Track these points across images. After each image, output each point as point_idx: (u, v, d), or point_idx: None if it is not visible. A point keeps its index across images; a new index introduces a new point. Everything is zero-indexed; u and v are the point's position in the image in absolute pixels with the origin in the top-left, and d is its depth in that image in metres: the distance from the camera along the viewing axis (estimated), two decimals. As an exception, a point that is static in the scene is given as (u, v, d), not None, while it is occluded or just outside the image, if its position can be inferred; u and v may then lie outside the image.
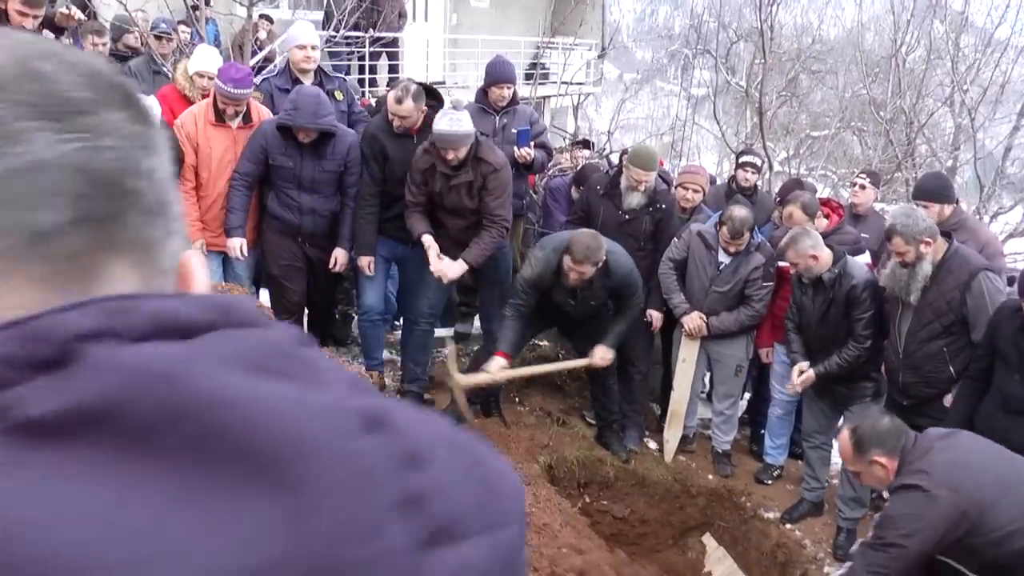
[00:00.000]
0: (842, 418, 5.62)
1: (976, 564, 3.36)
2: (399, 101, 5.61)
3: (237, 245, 5.74)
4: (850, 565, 3.71)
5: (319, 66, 6.37)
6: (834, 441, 5.37)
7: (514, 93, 6.74)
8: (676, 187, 6.67)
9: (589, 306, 5.76)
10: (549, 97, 17.34)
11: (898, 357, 5.15)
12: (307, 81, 6.17)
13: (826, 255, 5.37)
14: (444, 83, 16.86)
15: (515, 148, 6.42)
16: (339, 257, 5.99)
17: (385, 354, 6.72)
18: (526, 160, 6.47)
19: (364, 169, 5.85)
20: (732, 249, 5.90)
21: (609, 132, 14.96)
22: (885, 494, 3.69)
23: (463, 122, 5.47)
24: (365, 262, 5.92)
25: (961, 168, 15.42)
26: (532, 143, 6.47)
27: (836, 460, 5.59)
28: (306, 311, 6.37)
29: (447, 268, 5.66)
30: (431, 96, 5.91)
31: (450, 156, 5.46)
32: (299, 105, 5.54)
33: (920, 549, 3.38)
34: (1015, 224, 13.18)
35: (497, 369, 5.51)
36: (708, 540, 6.24)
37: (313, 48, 6.22)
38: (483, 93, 6.73)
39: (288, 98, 5.71)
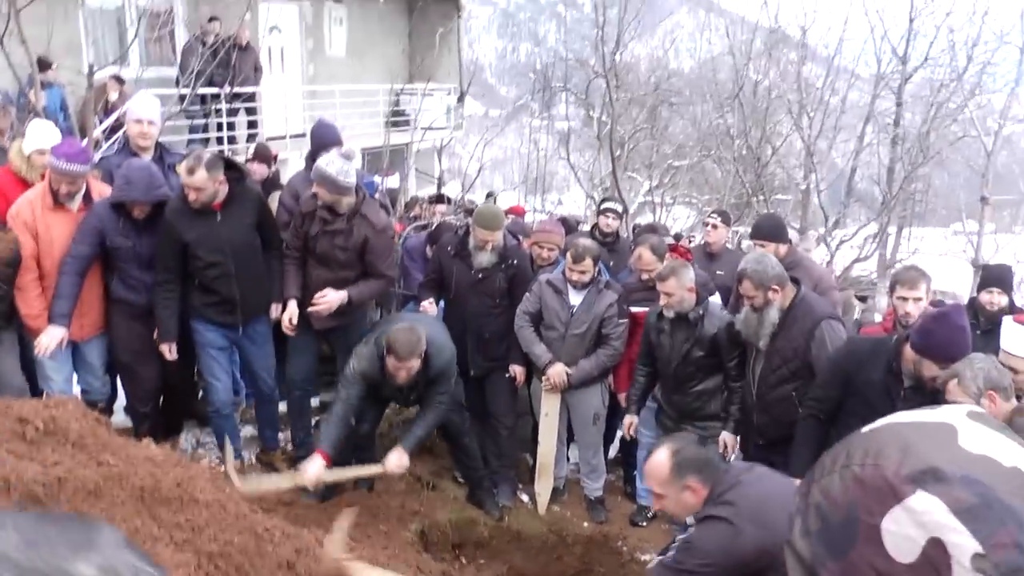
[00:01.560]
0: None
1: None
2: (191, 172, 5.31)
3: (52, 337, 5.22)
4: None
5: (158, 142, 6.15)
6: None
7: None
8: (531, 245, 6.71)
9: (419, 396, 5.67)
10: (411, 143, 17.37)
11: (752, 399, 5.31)
12: (146, 157, 5.93)
13: (694, 296, 5.53)
14: (304, 135, 16.73)
15: None
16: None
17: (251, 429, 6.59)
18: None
19: (158, 257, 5.54)
20: (576, 277, 5.96)
21: (462, 175, 15.03)
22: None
23: (349, 174, 5.45)
24: (165, 348, 5.60)
25: (814, 190, 16.11)
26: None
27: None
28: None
29: (329, 298, 5.59)
30: (230, 168, 5.65)
31: (327, 197, 5.42)
32: (131, 179, 5.34)
33: None
34: (859, 249, 13.82)
35: (313, 472, 5.16)
36: (588, 586, 6.27)
37: (150, 123, 5.97)
38: (311, 160, 6.58)
39: (119, 174, 5.48)
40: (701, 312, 5.52)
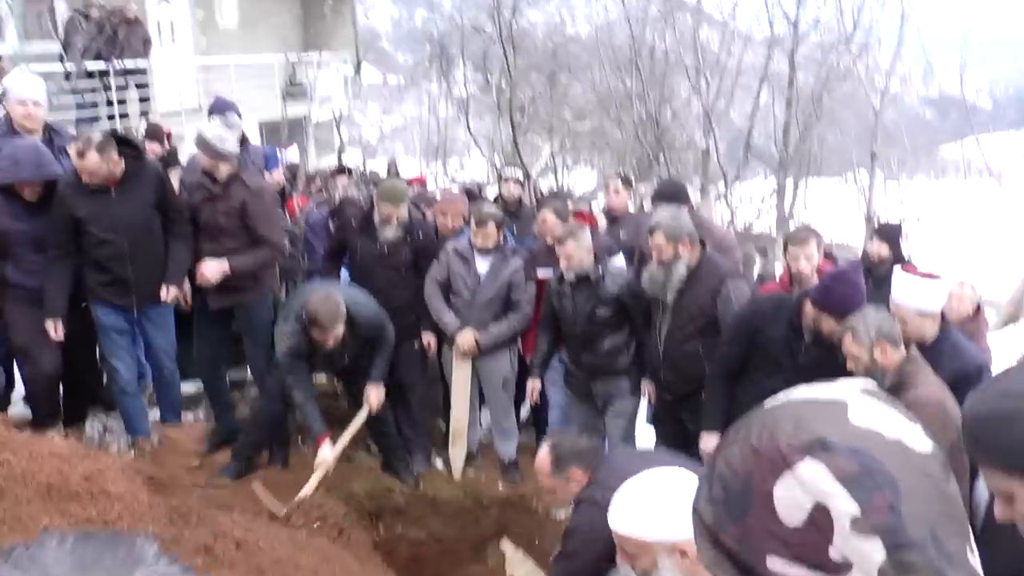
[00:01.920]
0: (607, 421, 5.90)
1: None
2: (81, 155, 5.17)
3: None
4: None
5: (46, 123, 5.93)
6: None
7: (242, 132, 6.66)
8: (435, 212, 6.72)
9: (355, 356, 5.71)
10: (309, 115, 17.16)
11: (659, 357, 5.44)
12: (34, 140, 5.69)
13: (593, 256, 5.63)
14: (200, 109, 16.36)
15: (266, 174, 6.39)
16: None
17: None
18: (280, 186, 6.42)
19: (49, 229, 5.38)
20: (480, 242, 6.03)
21: (362, 144, 14.93)
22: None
23: (227, 140, 5.40)
24: (51, 325, 5.44)
25: (713, 149, 16.43)
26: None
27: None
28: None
29: (206, 268, 5.54)
30: (126, 145, 5.51)
31: (206, 163, 5.35)
32: (19, 159, 5.20)
33: (591, 559, 3.48)
34: (758, 206, 14.18)
35: (331, 456, 5.44)
36: (506, 545, 6.35)
37: (36, 104, 5.73)
38: None
39: (3, 155, 5.28)
40: (601, 272, 5.62)
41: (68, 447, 3.80)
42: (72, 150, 5.27)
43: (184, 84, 16.92)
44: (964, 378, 4.27)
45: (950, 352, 4.42)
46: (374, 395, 5.72)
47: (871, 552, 0.94)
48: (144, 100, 15.28)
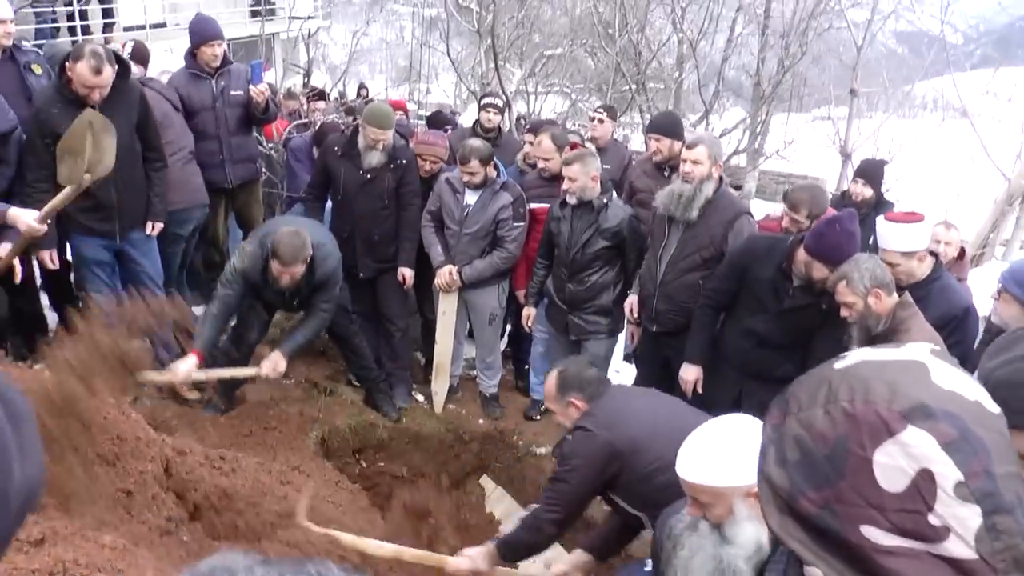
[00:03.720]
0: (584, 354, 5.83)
1: (638, 501, 3.66)
2: (98, 72, 4.94)
3: None
4: None
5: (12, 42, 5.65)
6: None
7: (224, 53, 6.43)
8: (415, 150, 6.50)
9: (302, 302, 5.58)
10: (278, 33, 16.73)
11: (655, 285, 5.37)
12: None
13: (599, 184, 5.53)
14: (165, 25, 15.89)
15: (250, 86, 6.30)
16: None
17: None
18: (262, 98, 6.29)
19: (27, 154, 5.16)
20: (466, 178, 5.91)
21: (328, 65, 14.61)
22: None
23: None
24: (46, 255, 5.32)
25: (687, 77, 16.27)
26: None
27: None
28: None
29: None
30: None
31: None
32: None
33: (582, 483, 3.69)
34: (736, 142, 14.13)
35: (184, 370, 4.96)
36: (486, 482, 6.38)
37: (5, 22, 5.48)
38: (192, 56, 6.37)
39: None
40: (605, 201, 5.54)
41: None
42: (84, 68, 4.94)
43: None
44: (952, 320, 4.44)
45: (939, 293, 4.51)
46: (269, 364, 5.36)
47: (969, 517, 0.95)
48: (108, 14, 14.80)
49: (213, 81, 6.32)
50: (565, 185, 5.55)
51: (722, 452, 2.36)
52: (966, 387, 1.02)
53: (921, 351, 1.08)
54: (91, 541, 2.90)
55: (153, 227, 5.66)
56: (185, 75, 6.33)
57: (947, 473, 0.96)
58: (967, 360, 4.48)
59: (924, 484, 0.96)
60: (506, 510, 6.19)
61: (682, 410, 3.89)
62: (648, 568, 3.07)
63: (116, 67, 5.14)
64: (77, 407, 3.37)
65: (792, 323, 4.76)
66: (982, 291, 5.31)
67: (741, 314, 4.99)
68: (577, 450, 3.67)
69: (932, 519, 0.96)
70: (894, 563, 0.98)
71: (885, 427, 0.99)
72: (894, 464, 0.98)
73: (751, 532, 2.32)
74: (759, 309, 4.85)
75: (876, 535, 0.99)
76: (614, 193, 5.67)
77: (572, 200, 5.56)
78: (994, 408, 1.03)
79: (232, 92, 6.35)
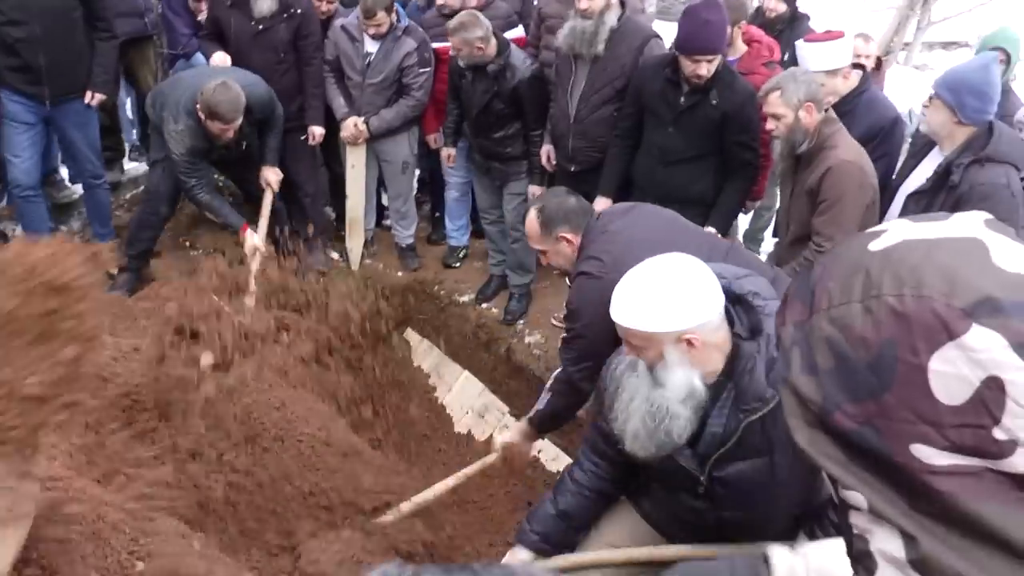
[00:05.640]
0: (504, 198, 5.73)
1: None
2: None
3: None
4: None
5: None
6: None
7: None
8: None
9: (250, 143, 5.45)
10: None
11: (568, 123, 5.18)
12: None
13: (492, 45, 5.21)
14: None
15: None
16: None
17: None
18: None
19: None
20: (372, 31, 5.59)
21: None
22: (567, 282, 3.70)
23: None
24: None
25: None
26: None
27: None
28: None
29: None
30: None
31: None
32: None
33: (601, 331, 3.25)
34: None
35: (258, 243, 5.31)
36: (411, 335, 6.28)
37: None
38: None
39: None
40: (502, 63, 5.24)
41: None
42: None
43: None
44: (879, 131, 4.51)
45: (866, 106, 4.57)
46: (272, 177, 5.59)
47: None
48: None
49: None
50: (452, 52, 5.32)
51: (653, 297, 2.29)
52: None
53: (974, 223, 0.89)
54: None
55: (93, 97, 5.42)
56: None
57: (1019, 380, 0.79)
58: (892, 170, 4.57)
59: (991, 394, 0.79)
60: (434, 362, 6.12)
61: (681, 225, 3.61)
62: None
63: None
64: None
65: (689, 128, 4.64)
66: (892, 97, 5.27)
67: (647, 134, 4.86)
68: (584, 301, 3.39)
69: (998, 433, 0.80)
70: (948, 484, 0.83)
71: (944, 328, 0.81)
72: (955, 372, 0.80)
73: (681, 376, 2.30)
74: (658, 124, 4.74)
75: (929, 454, 0.83)
76: (512, 50, 5.31)
77: (462, 63, 5.30)
78: None
79: None
